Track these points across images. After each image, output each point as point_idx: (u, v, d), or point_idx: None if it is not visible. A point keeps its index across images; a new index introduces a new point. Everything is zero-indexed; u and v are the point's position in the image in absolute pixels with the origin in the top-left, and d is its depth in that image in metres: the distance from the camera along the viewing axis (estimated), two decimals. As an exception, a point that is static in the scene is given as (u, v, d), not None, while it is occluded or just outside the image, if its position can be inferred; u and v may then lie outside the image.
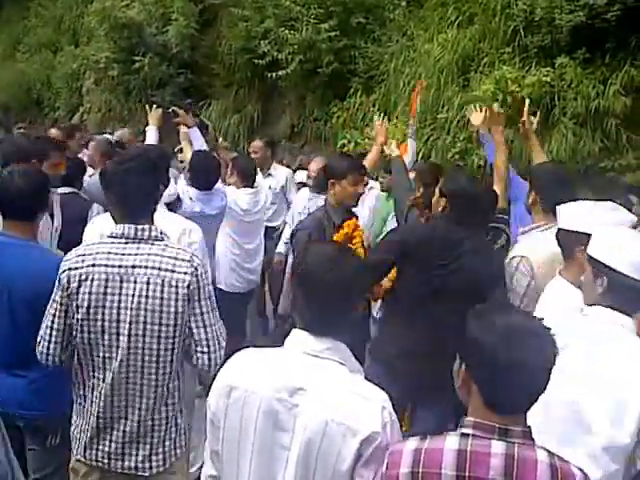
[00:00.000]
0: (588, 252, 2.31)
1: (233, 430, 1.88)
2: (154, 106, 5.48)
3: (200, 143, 5.09)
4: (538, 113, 4.63)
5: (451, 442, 1.67)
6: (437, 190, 3.48)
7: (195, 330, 2.52)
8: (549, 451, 1.67)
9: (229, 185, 5.13)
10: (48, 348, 2.55)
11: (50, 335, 2.54)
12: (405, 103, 7.06)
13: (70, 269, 2.50)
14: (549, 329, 1.69)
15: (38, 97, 12.60)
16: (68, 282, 2.48)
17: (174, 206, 4.07)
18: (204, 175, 4.56)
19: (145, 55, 9.65)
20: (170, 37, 9.45)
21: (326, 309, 1.87)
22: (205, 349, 2.53)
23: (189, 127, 5.24)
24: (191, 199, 4.46)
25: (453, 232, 3.23)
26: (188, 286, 2.47)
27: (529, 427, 1.69)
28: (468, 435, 1.67)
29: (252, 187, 5.18)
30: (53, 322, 2.53)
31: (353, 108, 7.66)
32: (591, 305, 2.28)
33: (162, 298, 2.45)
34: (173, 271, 2.47)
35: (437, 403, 3.27)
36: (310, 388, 1.82)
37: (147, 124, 5.33)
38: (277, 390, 1.84)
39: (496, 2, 6.53)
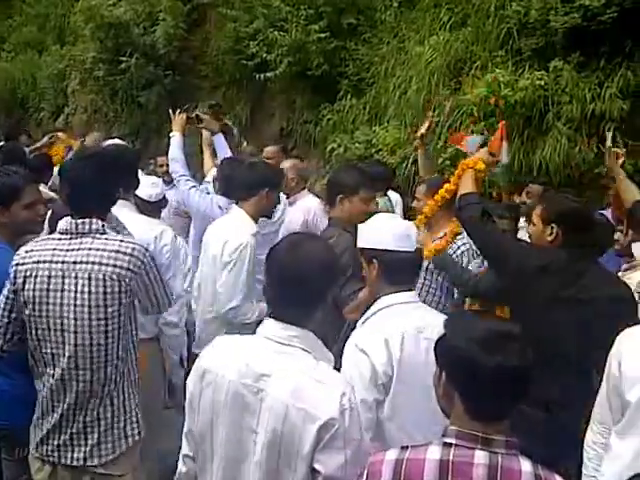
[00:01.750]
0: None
1: (206, 412, 1.96)
2: (177, 111, 5.19)
3: (225, 151, 4.93)
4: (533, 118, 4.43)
5: (433, 452, 1.65)
6: (536, 218, 3.03)
7: (150, 309, 2.74)
8: (533, 461, 1.65)
9: None
10: None
11: None
12: (396, 106, 6.93)
13: (18, 264, 2.57)
14: (522, 332, 1.70)
15: (23, 98, 12.38)
16: (15, 278, 2.56)
17: (161, 206, 4.23)
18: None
19: (132, 55, 9.49)
20: (157, 37, 9.31)
21: (293, 297, 1.92)
22: (155, 301, 2.72)
23: (213, 133, 5.05)
24: (220, 208, 4.43)
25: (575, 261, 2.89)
26: (130, 279, 2.53)
27: (513, 436, 1.68)
28: (451, 445, 1.65)
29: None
30: None
31: (343, 111, 7.52)
32: None
33: (105, 293, 2.50)
34: (115, 265, 2.51)
35: None
36: (274, 374, 1.88)
37: (170, 130, 5.18)
38: (243, 375, 1.91)
39: (490, 3, 6.41)
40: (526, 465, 1.62)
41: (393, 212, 4.90)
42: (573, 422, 2.78)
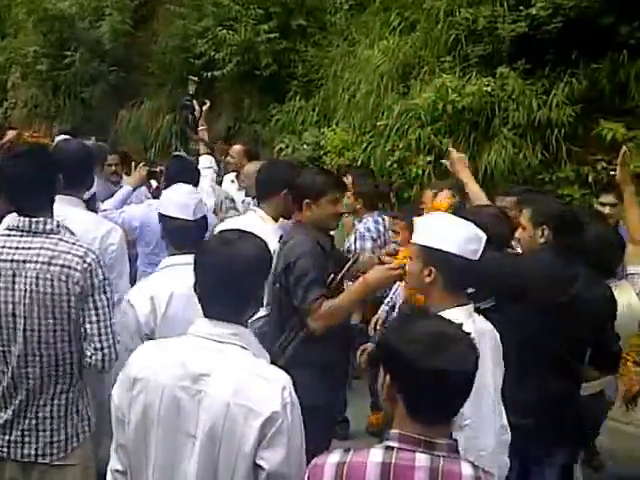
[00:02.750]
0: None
1: (138, 422, 1.88)
2: (140, 165, 4.66)
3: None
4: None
5: (375, 455, 1.62)
6: (525, 221, 2.98)
7: (88, 325, 2.51)
8: (474, 465, 1.64)
9: None
10: None
11: None
12: (345, 108, 6.92)
13: None
14: (469, 334, 1.68)
15: (-39, 91, 11.97)
16: None
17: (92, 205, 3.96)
18: None
19: (76, 50, 9.33)
20: (103, 32, 9.15)
21: (227, 295, 1.89)
22: (98, 344, 2.51)
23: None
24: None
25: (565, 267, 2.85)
26: (78, 282, 2.46)
27: (455, 440, 1.67)
28: (393, 448, 1.61)
29: None
30: None
31: (292, 112, 7.49)
32: None
33: (53, 293, 2.44)
34: (63, 266, 2.45)
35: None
36: (213, 373, 1.84)
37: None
38: (180, 378, 1.85)
39: (439, 9, 6.46)
40: (467, 468, 1.61)
41: None
42: None
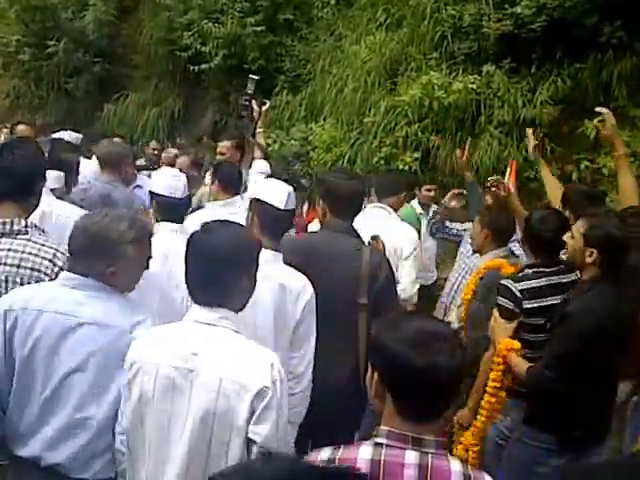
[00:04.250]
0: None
1: (135, 403, 1.98)
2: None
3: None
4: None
5: (365, 452, 1.64)
6: (577, 234, 2.94)
7: None
8: (462, 461, 1.67)
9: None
10: None
11: None
12: (332, 104, 6.95)
13: None
14: (457, 333, 1.79)
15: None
16: None
17: None
18: None
19: (59, 40, 9.16)
20: (87, 23, 9.01)
21: (217, 281, 1.99)
22: None
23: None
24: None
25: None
26: None
27: (444, 436, 1.70)
28: (382, 445, 1.64)
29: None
30: None
31: (279, 107, 7.47)
32: None
33: None
34: (32, 269, 2.41)
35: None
36: (204, 353, 1.93)
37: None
38: (172, 359, 1.94)
39: (425, 6, 6.49)
40: (455, 465, 1.64)
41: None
42: None
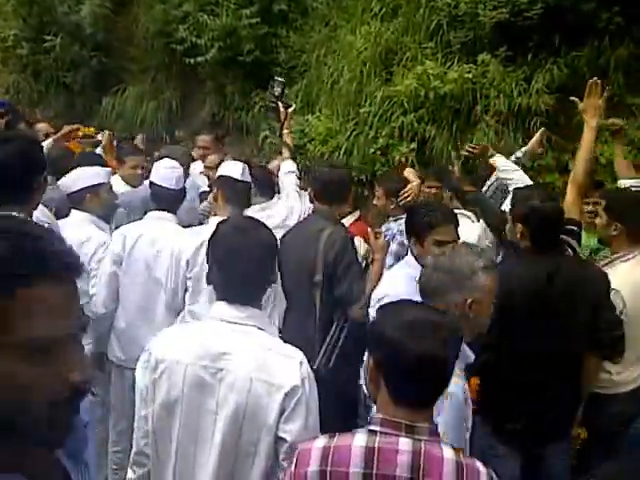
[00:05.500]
0: None
1: (162, 403, 1.98)
2: None
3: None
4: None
5: (359, 439, 1.67)
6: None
7: None
8: (455, 448, 1.70)
9: None
10: None
11: None
12: (328, 95, 6.89)
13: None
14: (452, 322, 1.79)
15: (-61, 76, 11.76)
16: None
17: None
18: None
19: (56, 35, 9.11)
20: (83, 17, 8.94)
21: (244, 280, 2.01)
22: None
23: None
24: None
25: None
26: None
27: (435, 424, 1.72)
28: (376, 432, 1.67)
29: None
30: None
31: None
32: None
33: None
34: None
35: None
36: (233, 352, 1.95)
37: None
38: (201, 358, 1.96)
39: (420, -6, 6.41)
40: (448, 452, 1.66)
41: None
42: None
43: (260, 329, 2.02)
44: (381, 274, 3.52)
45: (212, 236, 2.11)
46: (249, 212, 4.12)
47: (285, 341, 2.11)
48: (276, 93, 4.91)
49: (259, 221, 2.23)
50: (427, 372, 1.65)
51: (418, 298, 2.22)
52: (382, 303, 2.27)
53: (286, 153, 4.75)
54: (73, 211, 3.72)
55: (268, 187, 4.39)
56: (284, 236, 3.56)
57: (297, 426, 1.91)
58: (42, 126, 5.87)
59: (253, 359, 1.95)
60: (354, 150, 6.41)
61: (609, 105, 5.60)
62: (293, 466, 1.74)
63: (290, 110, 4.94)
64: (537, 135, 4.47)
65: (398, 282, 2.93)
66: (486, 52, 5.93)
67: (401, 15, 6.65)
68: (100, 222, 3.78)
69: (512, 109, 5.78)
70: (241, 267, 2.00)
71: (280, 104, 4.87)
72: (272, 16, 7.59)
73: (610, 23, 5.47)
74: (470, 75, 5.89)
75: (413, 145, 6.12)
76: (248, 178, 3.66)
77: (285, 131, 4.88)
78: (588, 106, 3.67)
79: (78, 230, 3.52)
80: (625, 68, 5.54)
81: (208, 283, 2.19)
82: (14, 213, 2.40)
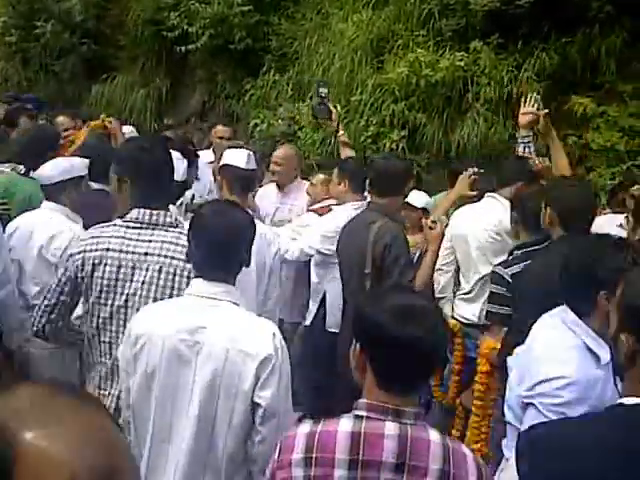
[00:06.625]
0: None
1: (141, 375, 2.07)
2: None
3: None
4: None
5: (345, 424, 1.67)
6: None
7: None
8: (441, 432, 1.70)
9: None
10: (38, 315, 2.59)
11: (42, 304, 2.59)
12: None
13: (85, 251, 2.50)
14: (440, 309, 1.86)
15: None
16: (83, 264, 2.49)
17: None
18: None
19: (46, 22, 9.05)
20: (74, 4, 8.91)
21: (221, 258, 2.12)
22: None
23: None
24: None
25: None
26: None
27: (421, 408, 1.74)
28: (362, 417, 1.67)
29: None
30: (49, 292, 2.59)
31: (266, 86, 7.40)
32: None
33: (172, 287, 2.45)
34: (186, 261, 2.41)
35: None
36: (209, 325, 2.05)
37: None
38: (178, 331, 2.04)
39: (412, -18, 6.41)
40: (434, 435, 1.66)
41: None
42: None
43: (235, 304, 2.11)
44: (434, 264, 3.59)
45: (192, 218, 2.23)
46: (340, 210, 4.09)
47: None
48: (322, 94, 4.86)
49: (236, 204, 2.35)
50: (413, 357, 1.64)
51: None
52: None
53: (348, 151, 4.69)
54: (45, 202, 3.54)
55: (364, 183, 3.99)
56: (344, 227, 3.68)
57: (271, 392, 2.01)
58: (63, 119, 5.72)
59: (229, 331, 2.05)
60: (345, 138, 6.39)
61: (600, 93, 5.69)
62: (277, 454, 1.73)
63: (335, 112, 4.91)
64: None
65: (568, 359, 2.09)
66: (478, 40, 5.94)
67: (392, 3, 6.66)
68: (75, 215, 3.53)
69: (502, 97, 5.79)
70: (215, 246, 2.11)
71: (330, 104, 4.87)
72: (264, 4, 7.58)
73: (600, 12, 5.49)
74: (462, 63, 5.90)
75: (404, 133, 6.14)
76: (253, 165, 3.54)
77: (341, 132, 4.86)
78: (521, 116, 3.98)
79: (49, 222, 3.42)
80: (616, 56, 5.56)
81: (188, 262, 2.28)
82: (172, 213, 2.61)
